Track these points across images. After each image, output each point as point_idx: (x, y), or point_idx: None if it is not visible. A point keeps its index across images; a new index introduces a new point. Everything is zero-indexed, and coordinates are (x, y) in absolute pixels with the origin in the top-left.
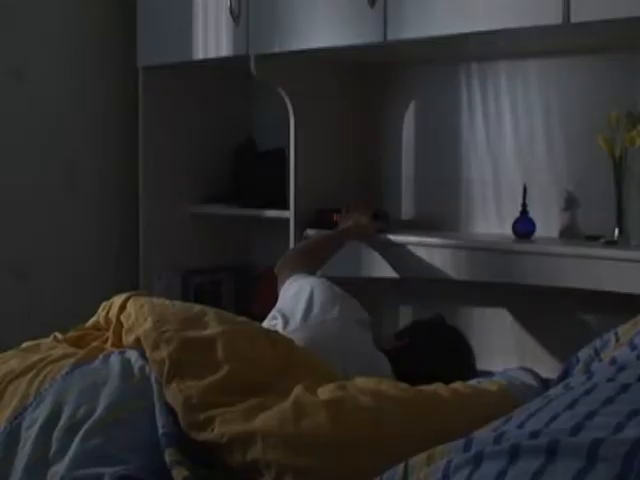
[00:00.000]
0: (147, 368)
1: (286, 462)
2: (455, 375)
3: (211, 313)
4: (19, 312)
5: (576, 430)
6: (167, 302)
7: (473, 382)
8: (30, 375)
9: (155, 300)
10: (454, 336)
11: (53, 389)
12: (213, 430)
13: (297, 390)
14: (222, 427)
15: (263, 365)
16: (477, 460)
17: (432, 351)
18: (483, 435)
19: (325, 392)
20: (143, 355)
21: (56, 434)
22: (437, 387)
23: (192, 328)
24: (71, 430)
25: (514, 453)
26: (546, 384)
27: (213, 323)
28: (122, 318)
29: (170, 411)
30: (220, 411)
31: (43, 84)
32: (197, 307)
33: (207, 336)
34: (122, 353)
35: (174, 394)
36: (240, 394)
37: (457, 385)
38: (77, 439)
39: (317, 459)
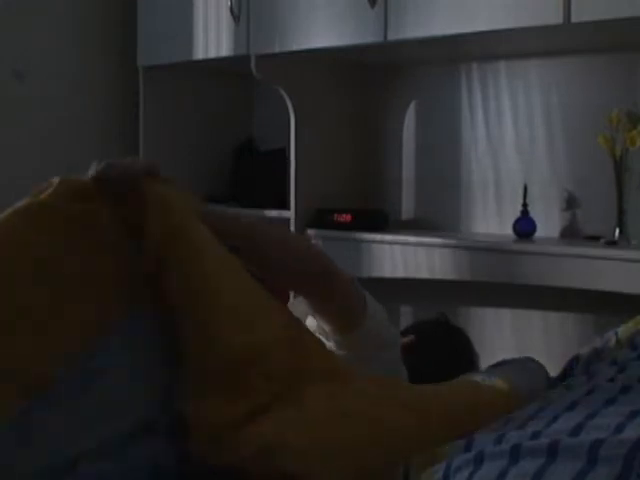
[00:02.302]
0: None
1: (307, 471)
2: (458, 375)
3: None
4: None
5: (576, 431)
6: None
7: (479, 378)
8: None
9: None
10: (458, 336)
11: None
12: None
13: (314, 397)
14: (248, 440)
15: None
16: (478, 460)
17: (436, 351)
18: (483, 436)
19: (338, 398)
20: None
21: None
22: (448, 389)
23: None
24: None
25: (515, 453)
26: (549, 377)
27: None
28: None
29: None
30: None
31: (43, 84)
32: None
33: None
34: None
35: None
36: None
37: (463, 386)
38: None
39: (333, 466)
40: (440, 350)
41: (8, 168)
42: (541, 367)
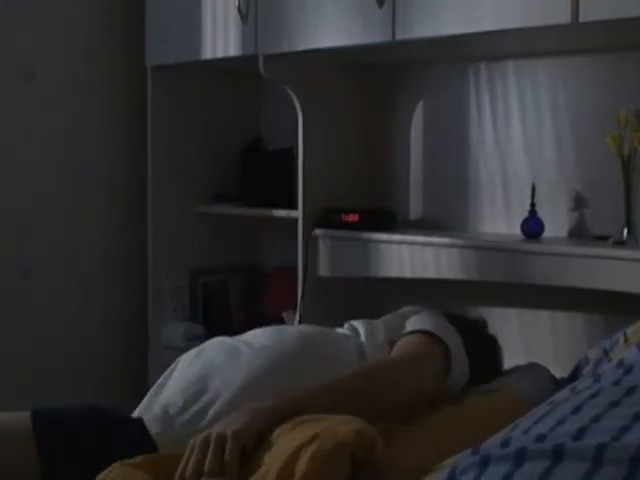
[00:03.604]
0: None
1: None
2: (483, 379)
3: None
4: (24, 311)
5: (581, 433)
6: None
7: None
8: None
9: None
10: (491, 346)
11: None
12: None
13: None
14: None
15: None
16: (483, 464)
17: (471, 352)
18: (489, 441)
19: None
20: None
21: None
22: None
23: None
24: None
25: (520, 456)
26: (555, 380)
27: None
28: None
29: None
30: None
31: (51, 85)
32: None
33: None
34: None
35: None
36: None
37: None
38: None
39: None
40: (474, 352)
41: (16, 168)
42: (546, 372)
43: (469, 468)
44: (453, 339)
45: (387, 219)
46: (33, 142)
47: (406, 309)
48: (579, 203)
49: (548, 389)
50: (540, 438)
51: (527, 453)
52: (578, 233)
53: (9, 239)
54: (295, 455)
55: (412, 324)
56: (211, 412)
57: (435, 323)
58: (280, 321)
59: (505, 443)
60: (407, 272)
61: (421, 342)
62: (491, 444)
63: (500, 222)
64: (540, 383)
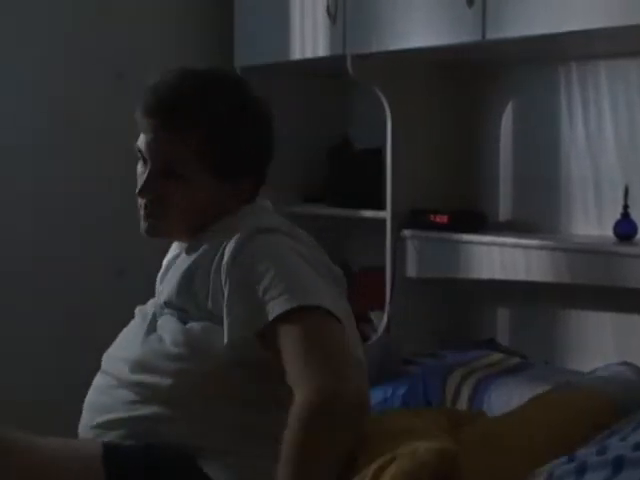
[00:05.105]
0: None
1: None
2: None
3: None
4: (117, 309)
5: None
6: None
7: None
8: None
9: None
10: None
11: None
12: None
13: None
14: None
15: None
16: (580, 471)
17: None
18: (585, 448)
19: None
20: None
21: None
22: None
23: None
24: None
25: (618, 464)
26: None
27: None
28: None
29: None
30: None
31: (141, 85)
32: None
33: None
34: None
35: None
36: None
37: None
38: None
39: None
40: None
41: (113, 166)
42: (636, 370)
43: (565, 475)
44: (327, 288)
45: (477, 220)
46: (125, 142)
47: (240, 259)
48: None
49: (638, 388)
50: (638, 446)
51: (625, 461)
52: None
53: (104, 238)
54: (375, 478)
55: (273, 301)
56: None
57: (297, 280)
58: (368, 321)
59: (602, 450)
60: (497, 274)
61: (311, 339)
62: (587, 451)
63: (591, 224)
64: (629, 382)
